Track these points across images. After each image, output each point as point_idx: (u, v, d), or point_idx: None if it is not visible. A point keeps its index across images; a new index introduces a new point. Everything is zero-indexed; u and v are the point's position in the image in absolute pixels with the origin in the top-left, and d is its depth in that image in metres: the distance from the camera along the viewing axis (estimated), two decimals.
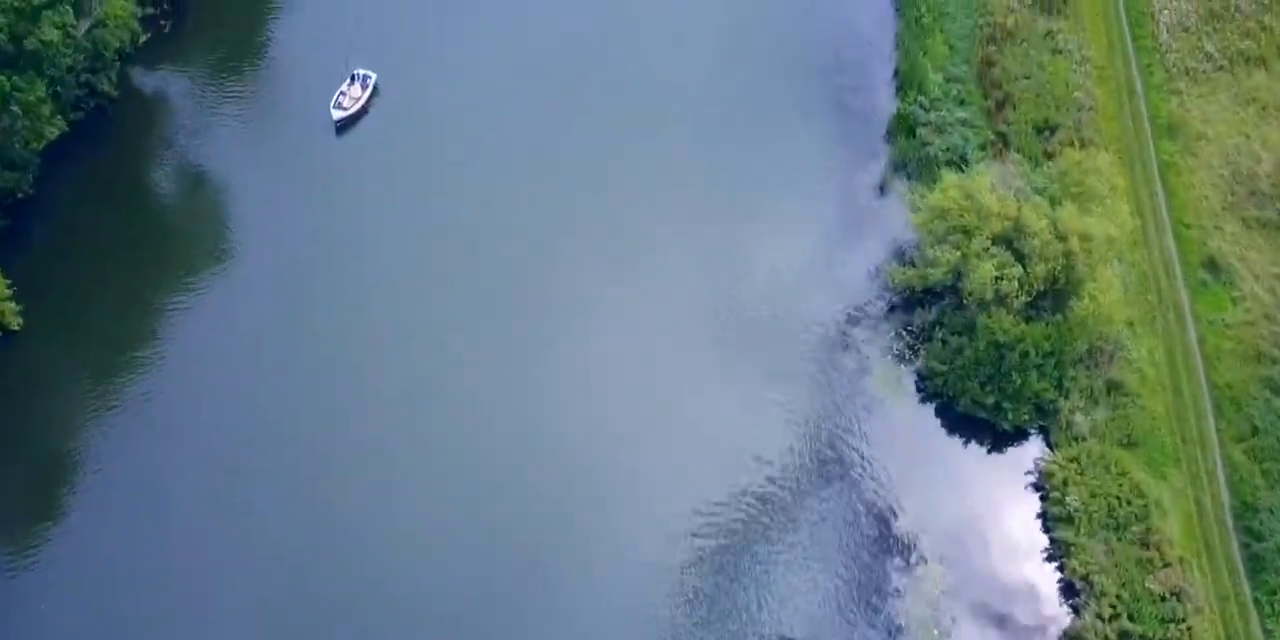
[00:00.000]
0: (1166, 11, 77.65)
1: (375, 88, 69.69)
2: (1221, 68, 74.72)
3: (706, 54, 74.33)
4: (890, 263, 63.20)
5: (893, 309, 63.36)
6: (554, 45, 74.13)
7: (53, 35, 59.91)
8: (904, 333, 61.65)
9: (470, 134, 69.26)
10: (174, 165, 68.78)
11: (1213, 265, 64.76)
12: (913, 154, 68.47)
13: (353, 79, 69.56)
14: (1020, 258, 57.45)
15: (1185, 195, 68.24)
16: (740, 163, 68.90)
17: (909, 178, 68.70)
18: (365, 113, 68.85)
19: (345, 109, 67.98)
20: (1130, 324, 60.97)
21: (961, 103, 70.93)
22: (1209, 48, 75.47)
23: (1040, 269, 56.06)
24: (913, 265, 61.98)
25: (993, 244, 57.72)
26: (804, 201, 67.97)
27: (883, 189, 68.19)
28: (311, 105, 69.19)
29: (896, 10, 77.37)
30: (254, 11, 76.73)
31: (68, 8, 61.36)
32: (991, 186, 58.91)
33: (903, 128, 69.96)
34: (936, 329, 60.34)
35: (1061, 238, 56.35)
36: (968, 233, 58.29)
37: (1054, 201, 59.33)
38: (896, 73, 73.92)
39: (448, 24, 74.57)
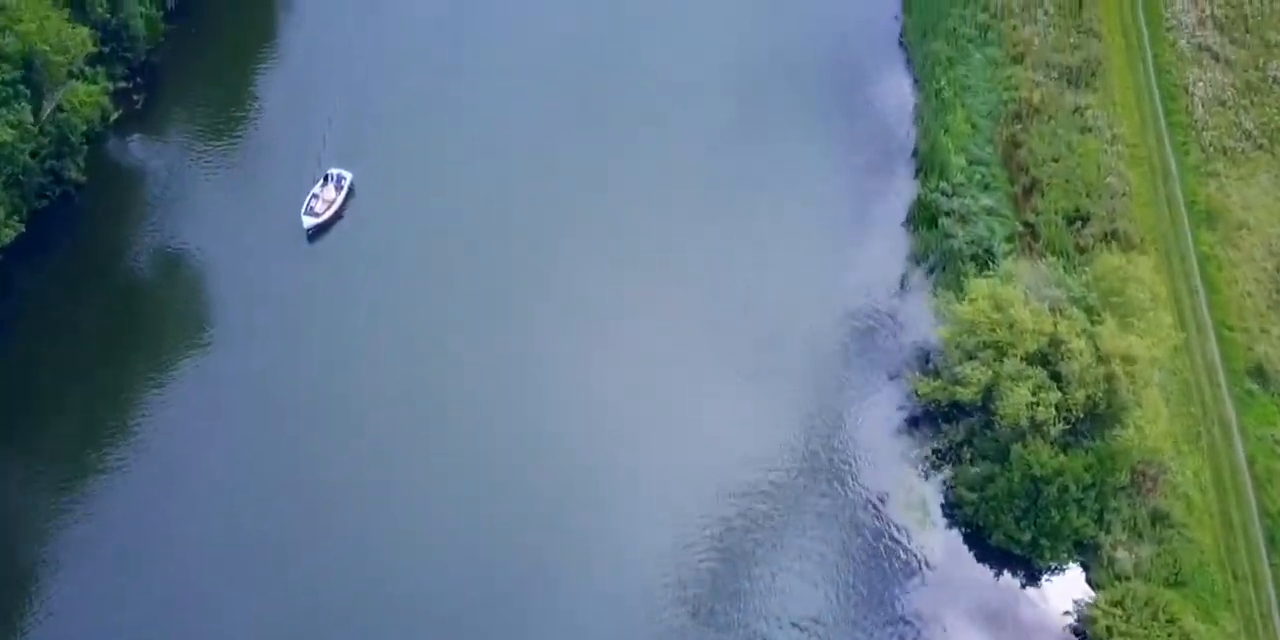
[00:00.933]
0: (1201, 83, 73.22)
1: (350, 188, 64.84)
2: (1261, 147, 70.21)
3: (714, 136, 69.90)
4: (913, 371, 58.94)
5: (915, 422, 58.73)
6: (529, 146, 68.83)
7: (7, 135, 55.51)
8: (929, 450, 57.30)
9: (448, 242, 63.76)
10: (142, 262, 63.82)
11: (1260, 373, 60.15)
12: (936, 246, 64.00)
13: (326, 180, 64.59)
14: (1057, 379, 53.14)
15: (1227, 293, 63.81)
16: (756, 252, 64.45)
17: (931, 271, 64.43)
18: (340, 217, 63.77)
19: (318, 215, 62.90)
20: (1174, 441, 56.78)
21: (986, 187, 66.44)
22: (1247, 124, 71.05)
23: (1079, 395, 51.53)
24: (937, 375, 57.72)
25: (1027, 364, 53.43)
26: (821, 295, 63.31)
27: (904, 283, 63.65)
28: (284, 207, 64.00)
29: (915, 82, 73.27)
30: (230, 89, 72.13)
31: (23, 104, 57.08)
32: (1024, 296, 54.58)
33: (924, 216, 65.45)
34: (964, 449, 55.99)
35: (1102, 359, 52.03)
36: (999, 349, 53.84)
37: (1091, 311, 54.98)
38: (916, 152, 69.75)
39: (428, 117, 69.63)
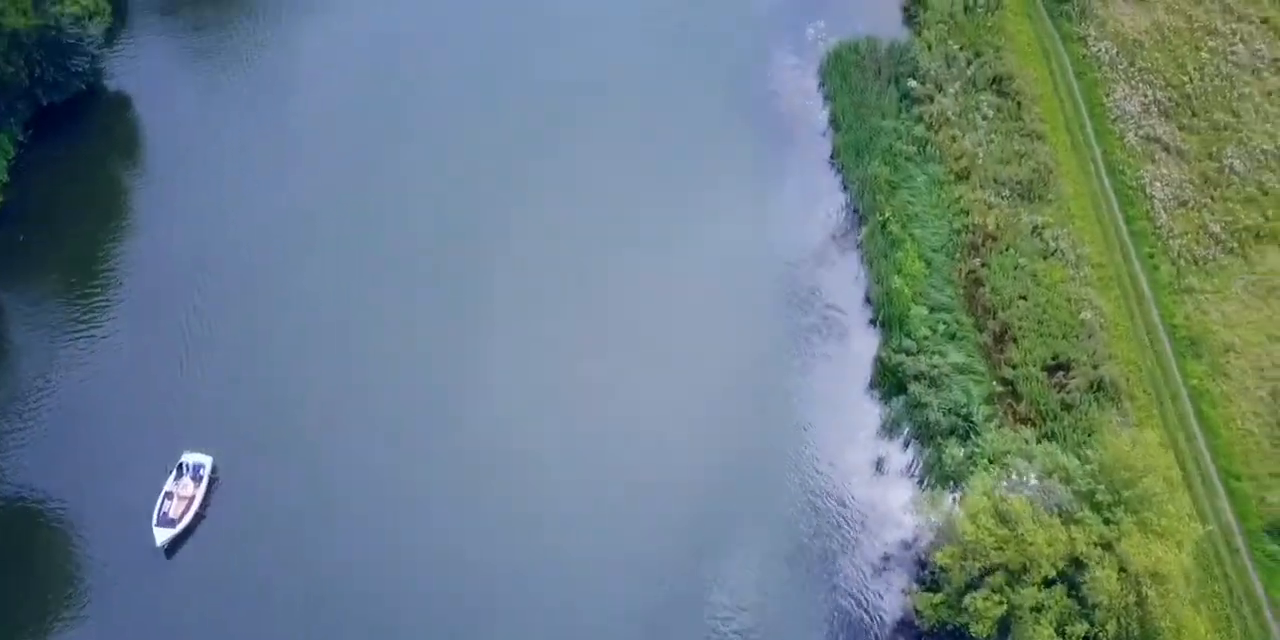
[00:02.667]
0: (1157, 183, 67.23)
1: (213, 476, 52.74)
2: (1231, 251, 64.30)
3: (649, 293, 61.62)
4: (910, 580, 51.67)
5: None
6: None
7: None
8: None
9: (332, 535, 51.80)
10: None
11: (1279, 531, 55.09)
12: (908, 418, 56.86)
13: (180, 471, 52.52)
14: (1080, 600, 46.40)
15: (1227, 434, 57.87)
16: (707, 450, 55.79)
17: (907, 446, 57.39)
18: (202, 517, 51.42)
19: (173, 522, 50.48)
20: (1204, 633, 50.63)
21: (953, 338, 59.19)
22: (1213, 226, 65.21)
23: (1111, 627, 44.92)
24: (936, 587, 50.59)
25: (1045, 585, 46.52)
26: (785, 490, 54.74)
27: (880, 466, 56.40)
28: (133, 513, 50.95)
29: (855, 213, 65.65)
30: (57, 331, 58.86)
31: None
32: (1029, 505, 47.49)
33: (889, 381, 57.99)
34: None
35: (1130, 580, 45.39)
36: (1011, 572, 46.99)
37: (1102, 508, 48.16)
38: (869, 298, 62.50)
39: (302, 378, 57.18)
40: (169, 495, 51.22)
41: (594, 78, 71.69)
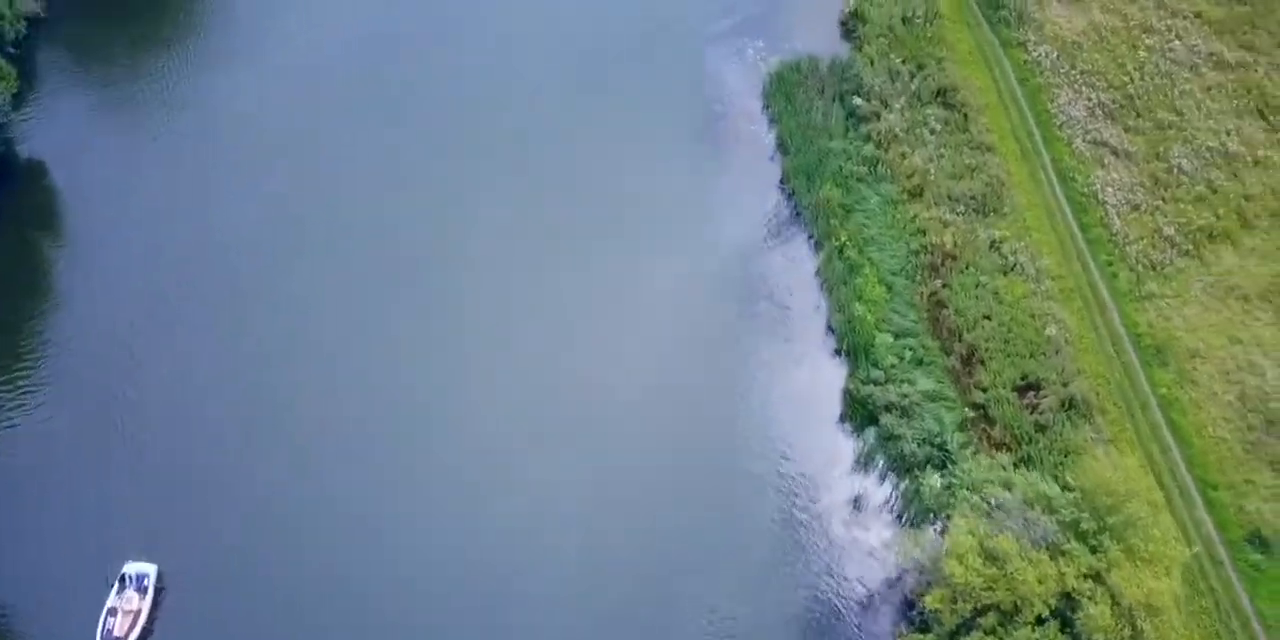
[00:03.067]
0: (1109, 188, 66.94)
1: (159, 586, 48.56)
2: (1187, 253, 63.96)
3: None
4: (901, 627, 50.31)
5: None
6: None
7: None
8: None
9: None
10: None
11: (1260, 540, 54.08)
12: (882, 451, 55.64)
13: (123, 583, 48.10)
14: (1074, 637, 45.45)
15: (1200, 442, 57.31)
16: (684, 503, 53.96)
17: (883, 479, 56.03)
18: (150, 634, 47.34)
19: None
20: None
21: (920, 363, 58.03)
22: (1167, 229, 64.80)
23: None
24: (926, 628, 49.44)
25: (1037, 623, 45.70)
26: (762, 535, 53.10)
27: (858, 504, 55.16)
28: (74, 636, 46.92)
29: (810, 238, 64.20)
30: None
31: None
32: (1015, 542, 46.55)
33: (860, 413, 56.72)
34: None
35: (1124, 614, 44.67)
36: (1003, 612, 46.03)
37: (1087, 536, 47.38)
38: (831, 327, 61.16)
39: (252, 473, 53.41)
40: (112, 611, 47.10)
41: (530, 113, 69.85)
